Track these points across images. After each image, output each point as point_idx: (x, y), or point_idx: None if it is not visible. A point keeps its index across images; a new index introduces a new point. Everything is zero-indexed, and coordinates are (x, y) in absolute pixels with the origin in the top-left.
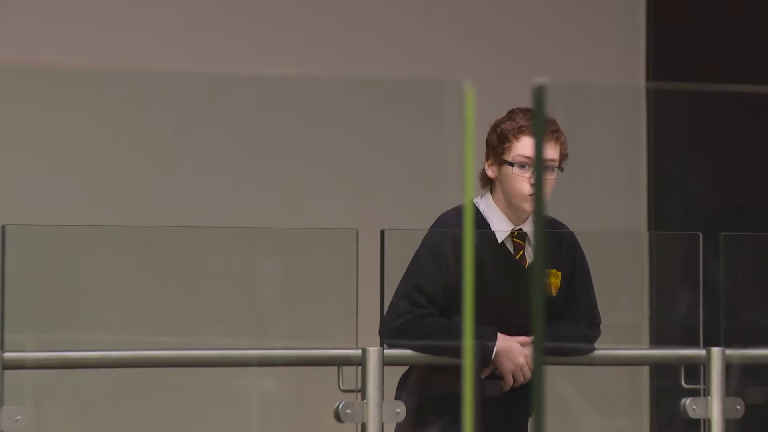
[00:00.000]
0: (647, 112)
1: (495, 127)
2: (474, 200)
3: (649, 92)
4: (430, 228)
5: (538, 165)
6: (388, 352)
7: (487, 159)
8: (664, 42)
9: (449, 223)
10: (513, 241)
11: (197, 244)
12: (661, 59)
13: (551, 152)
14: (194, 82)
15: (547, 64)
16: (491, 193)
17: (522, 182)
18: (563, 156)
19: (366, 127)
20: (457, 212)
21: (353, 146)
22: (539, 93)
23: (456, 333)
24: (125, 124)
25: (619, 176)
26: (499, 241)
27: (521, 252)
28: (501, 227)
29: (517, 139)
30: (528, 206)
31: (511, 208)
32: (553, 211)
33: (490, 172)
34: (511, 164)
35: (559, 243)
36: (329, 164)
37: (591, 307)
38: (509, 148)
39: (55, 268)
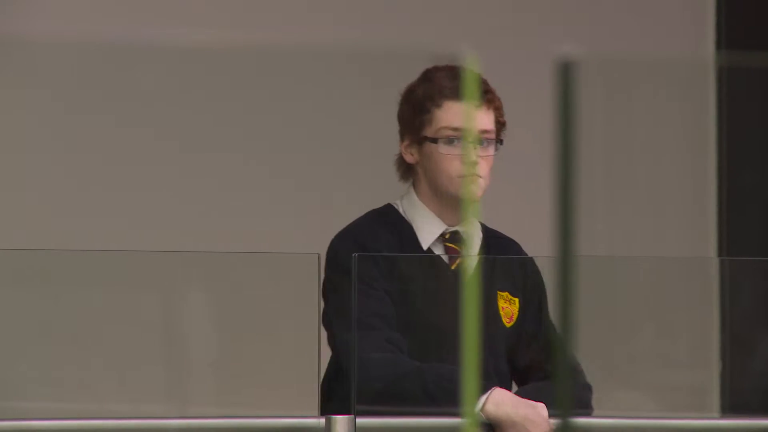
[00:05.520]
0: (717, 94)
1: (408, 95)
2: (393, 203)
3: (719, 67)
4: (327, 254)
5: (561, 163)
6: (361, 422)
7: (402, 139)
8: None
9: (353, 240)
10: (444, 246)
11: (93, 273)
12: (737, 21)
13: (485, 121)
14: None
15: (580, 30)
16: (414, 186)
17: (452, 161)
18: (500, 125)
19: (334, 114)
20: (357, 224)
21: (313, 142)
22: (565, 70)
23: (455, 380)
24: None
25: (676, 181)
26: (425, 247)
27: (457, 261)
28: (430, 231)
29: (439, 106)
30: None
31: (441, 203)
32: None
33: (409, 156)
34: (435, 140)
35: (510, 259)
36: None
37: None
38: (430, 120)
39: None
